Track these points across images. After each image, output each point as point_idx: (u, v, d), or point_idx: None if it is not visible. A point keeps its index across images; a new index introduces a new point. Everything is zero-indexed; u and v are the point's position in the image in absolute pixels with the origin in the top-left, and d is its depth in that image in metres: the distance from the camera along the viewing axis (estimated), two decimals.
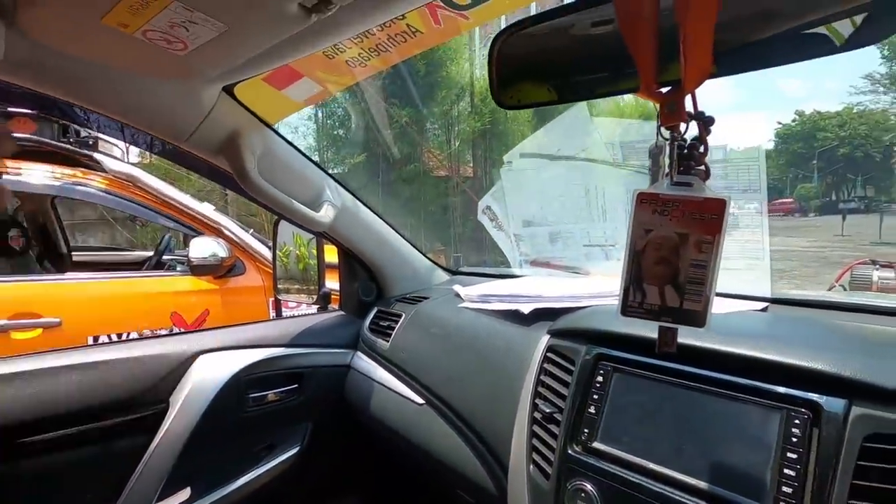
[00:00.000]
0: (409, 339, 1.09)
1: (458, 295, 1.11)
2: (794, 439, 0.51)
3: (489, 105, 7.45)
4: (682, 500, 0.54)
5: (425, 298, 1.17)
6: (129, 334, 1.93)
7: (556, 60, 0.57)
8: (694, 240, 0.45)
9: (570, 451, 0.65)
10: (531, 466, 0.70)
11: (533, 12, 0.54)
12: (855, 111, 26.73)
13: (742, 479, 0.52)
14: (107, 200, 2.21)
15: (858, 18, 0.40)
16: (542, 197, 1.52)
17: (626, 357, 0.66)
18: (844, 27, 0.41)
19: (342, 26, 0.64)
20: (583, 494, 0.62)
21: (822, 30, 0.42)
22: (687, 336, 0.54)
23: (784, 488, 0.50)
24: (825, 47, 0.42)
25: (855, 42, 0.41)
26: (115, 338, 1.90)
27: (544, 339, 0.78)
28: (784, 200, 28.49)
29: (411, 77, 7.25)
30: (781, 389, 0.53)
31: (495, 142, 7.90)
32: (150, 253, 2.88)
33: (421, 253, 1.35)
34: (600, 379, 0.66)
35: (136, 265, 2.80)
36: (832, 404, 0.50)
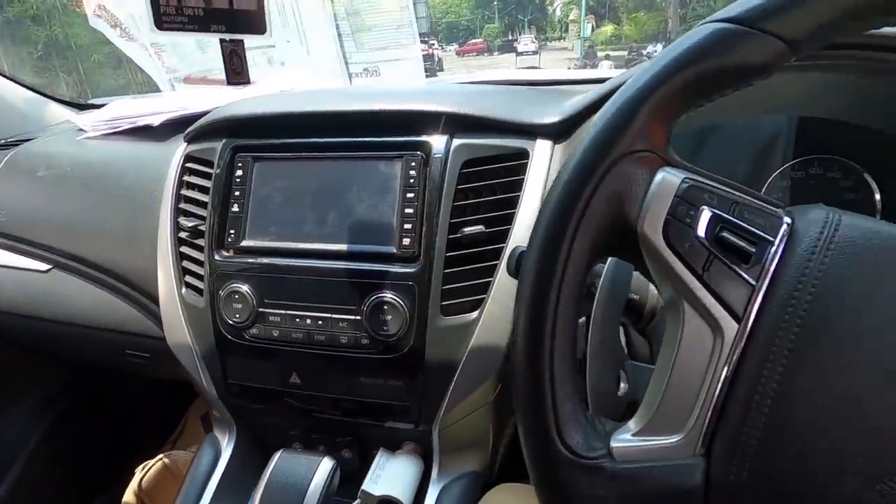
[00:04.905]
0: (8, 193, 0.83)
1: (81, 129, 0.88)
2: (412, 181, 0.58)
3: None
4: (327, 266, 0.60)
5: (29, 140, 0.90)
6: None
7: None
8: None
9: (217, 259, 0.63)
10: (183, 289, 0.66)
11: None
12: None
13: (375, 230, 0.59)
14: None
15: None
16: None
17: (263, 143, 0.64)
18: None
19: None
20: (237, 296, 0.62)
21: None
22: (310, 104, 0.66)
23: (406, 225, 0.58)
24: None
25: None
26: None
27: (181, 149, 0.70)
28: (476, 41, 33.41)
29: None
30: (400, 138, 0.60)
31: None
32: None
33: (22, 85, 1.04)
34: (240, 173, 0.64)
35: None
36: (438, 141, 0.59)
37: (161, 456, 0.98)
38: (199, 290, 0.66)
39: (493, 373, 0.59)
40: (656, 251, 0.29)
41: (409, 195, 0.59)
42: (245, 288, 0.62)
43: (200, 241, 0.66)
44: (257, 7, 0.37)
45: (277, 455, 0.56)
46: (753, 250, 0.27)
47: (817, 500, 0.25)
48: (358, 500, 0.62)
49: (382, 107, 0.63)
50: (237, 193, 0.65)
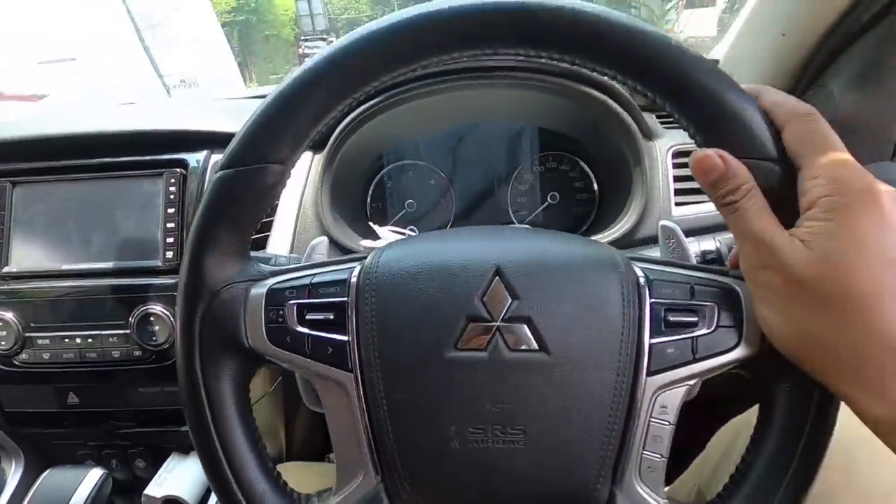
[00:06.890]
0: None
1: None
2: (172, 197, 0.62)
3: None
4: (93, 285, 0.62)
5: None
6: None
7: None
8: None
9: None
10: None
11: None
12: None
13: (140, 246, 0.62)
14: None
15: None
16: None
17: (22, 168, 0.65)
18: None
19: None
20: (1, 324, 0.62)
21: None
22: (69, 126, 0.66)
23: (168, 240, 0.62)
24: None
25: None
26: None
27: None
28: None
29: None
30: (161, 157, 0.63)
31: None
32: None
33: None
34: None
35: None
36: (196, 158, 0.63)
37: None
38: None
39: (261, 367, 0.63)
40: (271, 355, 0.33)
41: (171, 210, 0.63)
42: (9, 315, 0.63)
43: None
44: None
45: (45, 473, 0.57)
46: (332, 316, 0.32)
47: (447, 465, 0.31)
48: None
49: (140, 128, 0.65)
50: None
